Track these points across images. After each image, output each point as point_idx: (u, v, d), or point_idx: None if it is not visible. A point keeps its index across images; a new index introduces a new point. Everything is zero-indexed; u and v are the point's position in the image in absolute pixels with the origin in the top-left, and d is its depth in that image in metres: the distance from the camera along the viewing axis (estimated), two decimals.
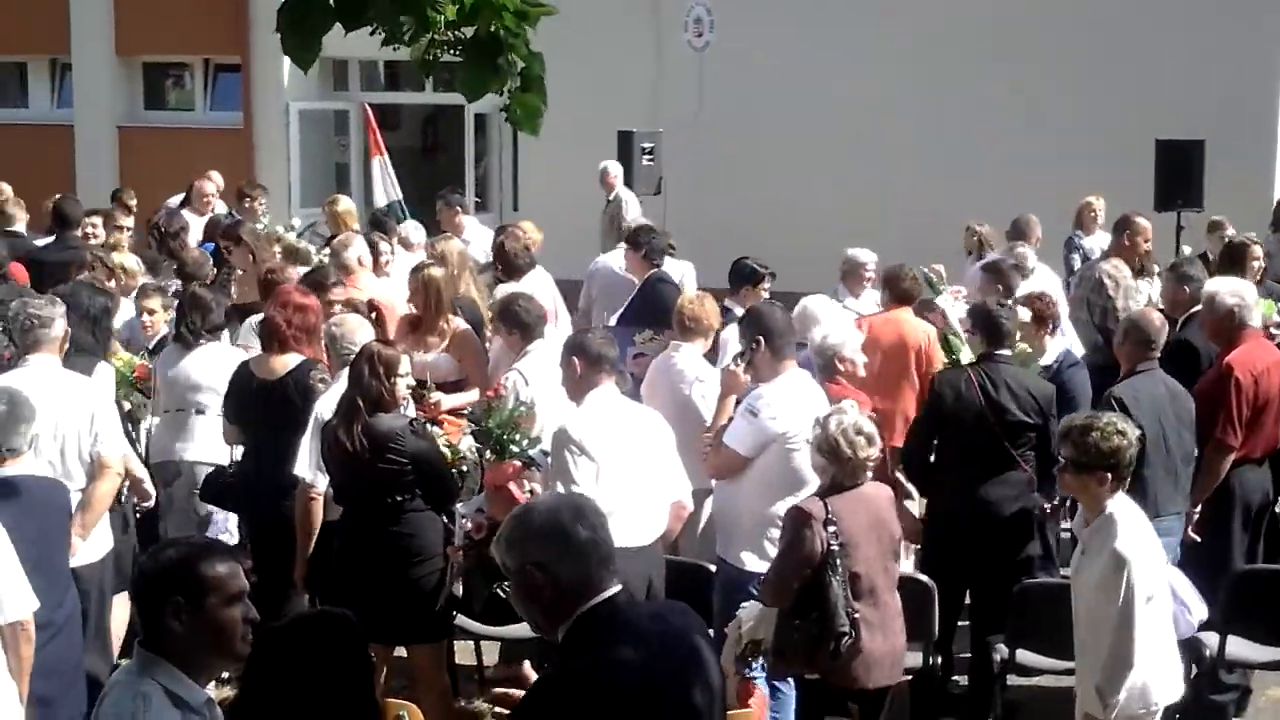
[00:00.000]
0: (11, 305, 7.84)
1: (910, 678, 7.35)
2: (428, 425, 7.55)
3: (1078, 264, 12.90)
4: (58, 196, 13.14)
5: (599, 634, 3.77)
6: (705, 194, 17.72)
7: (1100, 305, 9.95)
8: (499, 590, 6.73)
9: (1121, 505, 5.76)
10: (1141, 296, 9.89)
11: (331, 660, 3.79)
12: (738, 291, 10.06)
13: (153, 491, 7.94)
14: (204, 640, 3.91)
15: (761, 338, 7.17)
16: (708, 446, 7.34)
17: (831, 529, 6.12)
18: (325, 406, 7.44)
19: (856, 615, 6.14)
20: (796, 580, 6.15)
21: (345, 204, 13.55)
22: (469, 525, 7.21)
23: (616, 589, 3.83)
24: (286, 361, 8.07)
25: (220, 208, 14.21)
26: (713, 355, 8.55)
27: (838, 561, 6.10)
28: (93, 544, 7.14)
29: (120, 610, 7.49)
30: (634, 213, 16.08)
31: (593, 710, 3.69)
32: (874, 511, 6.36)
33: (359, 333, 7.86)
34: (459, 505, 7.37)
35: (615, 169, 16.23)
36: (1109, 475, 5.73)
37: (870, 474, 6.44)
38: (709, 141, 18.33)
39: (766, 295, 9.89)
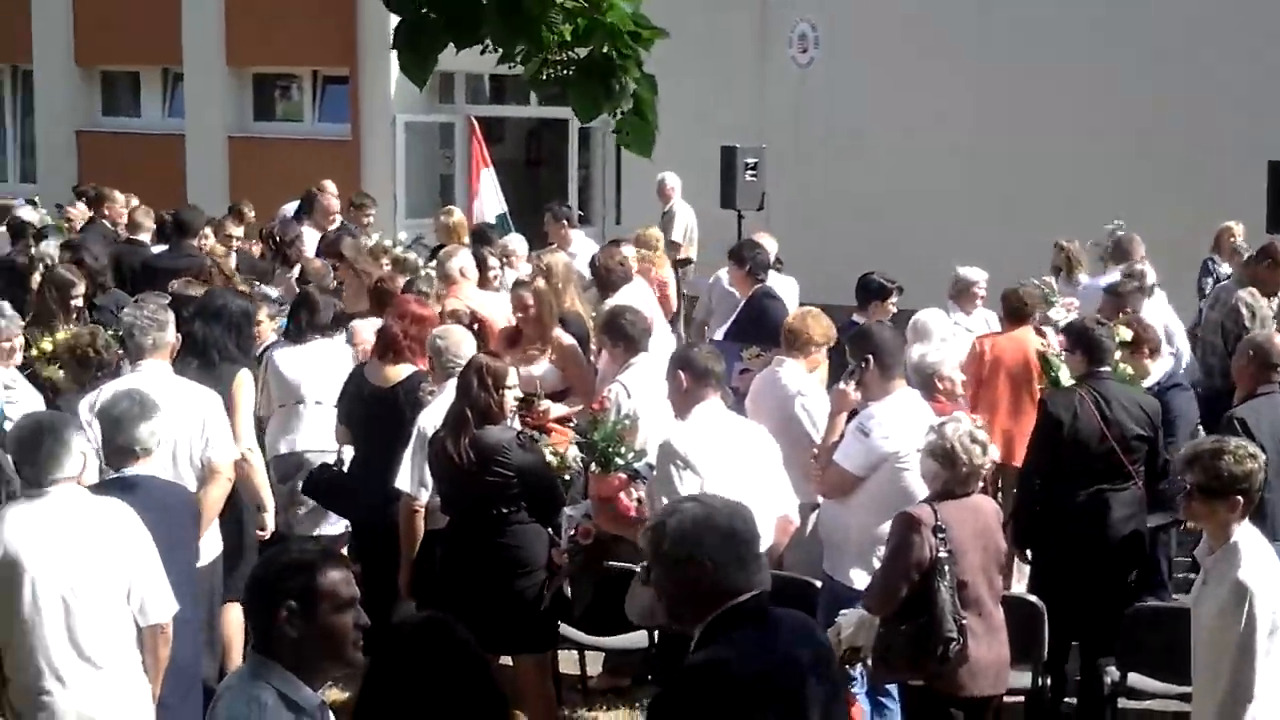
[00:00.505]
0: (125, 311, 7.94)
1: (1022, 698, 7.35)
2: (535, 434, 7.60)
3: (1209, 288, 12.71)
4: (190, 207, 13.39)
5: (742, 629, 3.97)
6: (809, 210, 17.68)
7: (1235, 332, 9.82)
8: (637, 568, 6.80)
9: (1247, 534, 5.61)
10: (1272, 323, 9.77)
11: (453, 663, 3.82)
12: (865, 306, 10.07)
13: (272, 525, 7.99)
14: (316, 646, 3.96)
15: (870, 356, 7.16)
16: (815, 462, 7.34)
17: (940, 536, 6.10)
18: (428, 419, 7.50)
19: (964, 622, 6.11)
20: (904, 585, 6.13)
21: (458, 216, 13.68)
22: (575, 531, 7.25)
23: (760, 590, 4.03)
24: (399, 371, 8.17)
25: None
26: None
27: (945, 568, 6.09)
28: (203, 548, 7.21)
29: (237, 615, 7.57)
30: (683, 223, 16.02)
31: (734, 697, 3.87)
32: (982, 521, 6.33)
33: (463, 345, 7.91)
34: (566, 510, 7.40)
35: (673, 180, 16.24)
36: (1240, 500, 5.58)
37: (981, 484, 6.42)
38: (813, 157, 18.29)
39: (894, 310, 9.95)
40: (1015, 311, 9.81)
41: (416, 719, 3.77)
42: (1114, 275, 11.53)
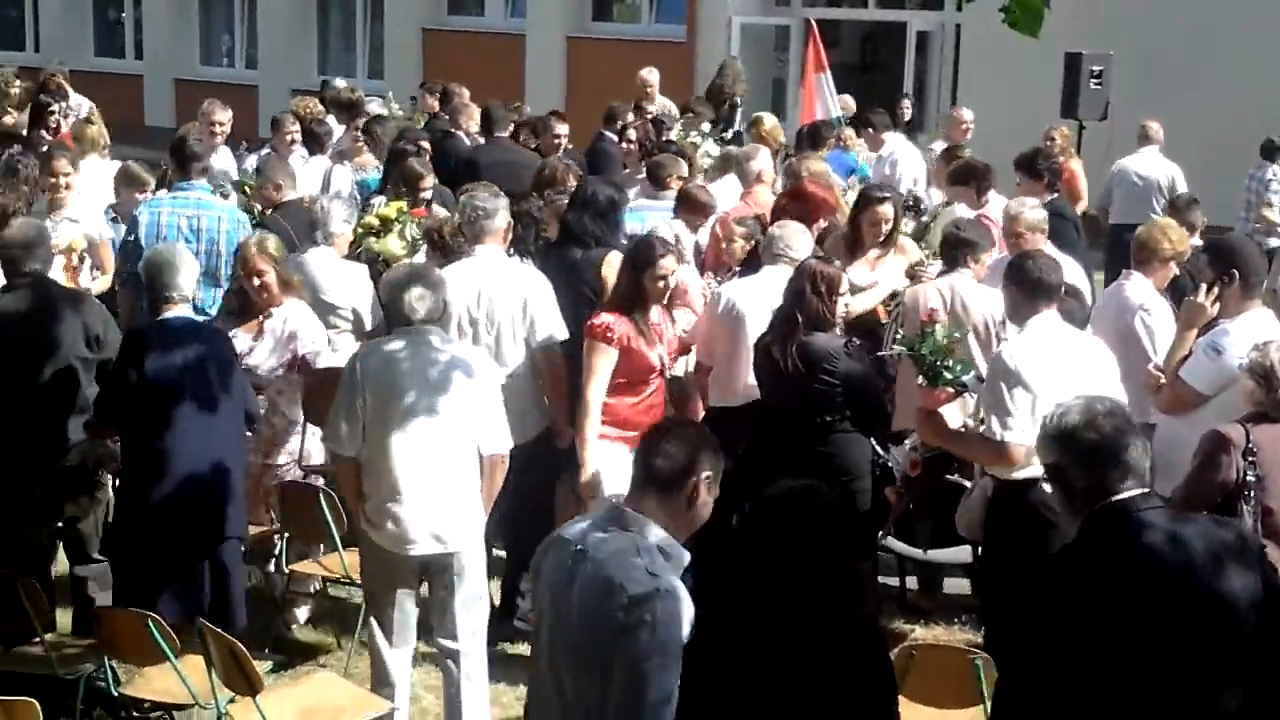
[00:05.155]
0: (462, 200, 8.29)
1: None
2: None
3: None
4: (498, 103, 13.72)
5: (1109, 530, 3.94)
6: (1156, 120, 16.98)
7: None
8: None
9: None
10: None
11: (813, 532, 3.90)
12: None
13: None
14: (696, 515, 4.21)
15: (1236, 271, 6.93)
16: (1154, 378, 7.12)
17: (1250, 459, 5.88)
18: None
19: (1265, 549, 5.84)
20: (1205, 506, 5.88)
21: (770, 122, 13.59)
22: (905, 464, 7.17)
23: (1133, 492, 3.96)
24: None
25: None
26: None
27: (1251, 492, 5.86)
28: (528, 423, 7.55)
29: None
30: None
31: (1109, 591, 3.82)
32: None
33: (796, 238, 7.97)
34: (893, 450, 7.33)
35: (653, 77, 15.59)
36: None
37: None
38: (1161, 65, 17.52)
39: None
40: None
41: (777, 581, 3.84)
42: None
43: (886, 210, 8.96)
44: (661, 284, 7.34)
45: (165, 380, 6.59)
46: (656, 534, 4.14)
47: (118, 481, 7.19)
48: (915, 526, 7.52)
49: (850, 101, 16.22)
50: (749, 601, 3.87)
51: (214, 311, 8.91)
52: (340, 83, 17.07)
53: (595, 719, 4.09)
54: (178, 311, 6.80)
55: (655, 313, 7.39)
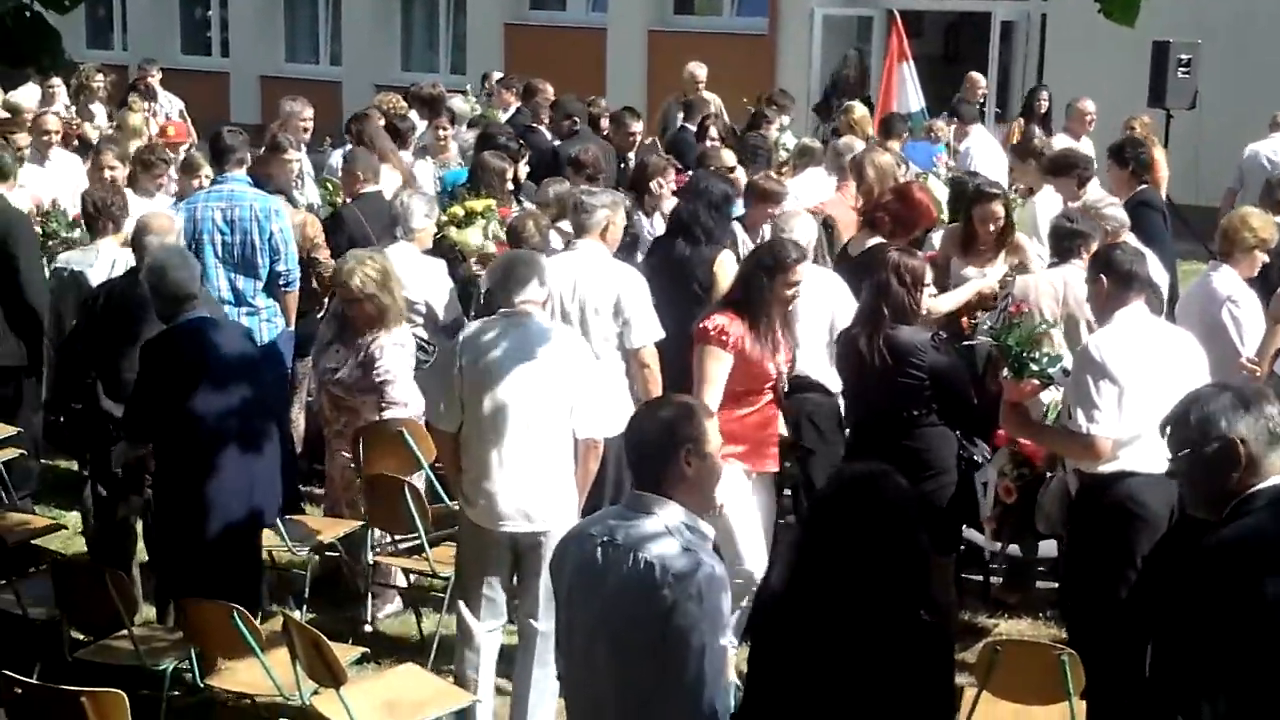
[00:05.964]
0: (566, 193, 8.38)
1: None
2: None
3: None
4: (571, 96, 13.76)
5: (1262, 506, 3.86)
6: (1245, 110, 16.70)
7: None
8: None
9: None
10: None
11: (878, 516, 3.88)
12: None
13: None
14: (700, 484, 4.28)
15: None
16: (1246, 371, 7.00)
17: None
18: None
19: None
20: None
21: (860, 111, 13.52)
22: (998, 491, 7.11)
23: None
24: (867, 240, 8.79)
25: None
26: None
27: None
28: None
29: None
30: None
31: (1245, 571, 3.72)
32: None
33: (795, 221, 8.03)
34: (977, 476, 7.27)
35: (701, 71, 15.40)
36: None
37: None
38: (1253, 53, 17.25)
39: None
40: None
41: (843, 564, 3.84)
42: None
43: (997, 208, 8.91)
44: (791, 291, 6.98)
45: (194, 387, 6.61)
46: (678, 513, 4.20)
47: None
48: (1023, 539, 7.46)
49: (980, 80, 16.08)
50: (813, 582, 3.87)
51: (256, 302, 9.07)
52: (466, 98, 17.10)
53: (645, 706, 4.12)
54: (192, 312, 6.81)
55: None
